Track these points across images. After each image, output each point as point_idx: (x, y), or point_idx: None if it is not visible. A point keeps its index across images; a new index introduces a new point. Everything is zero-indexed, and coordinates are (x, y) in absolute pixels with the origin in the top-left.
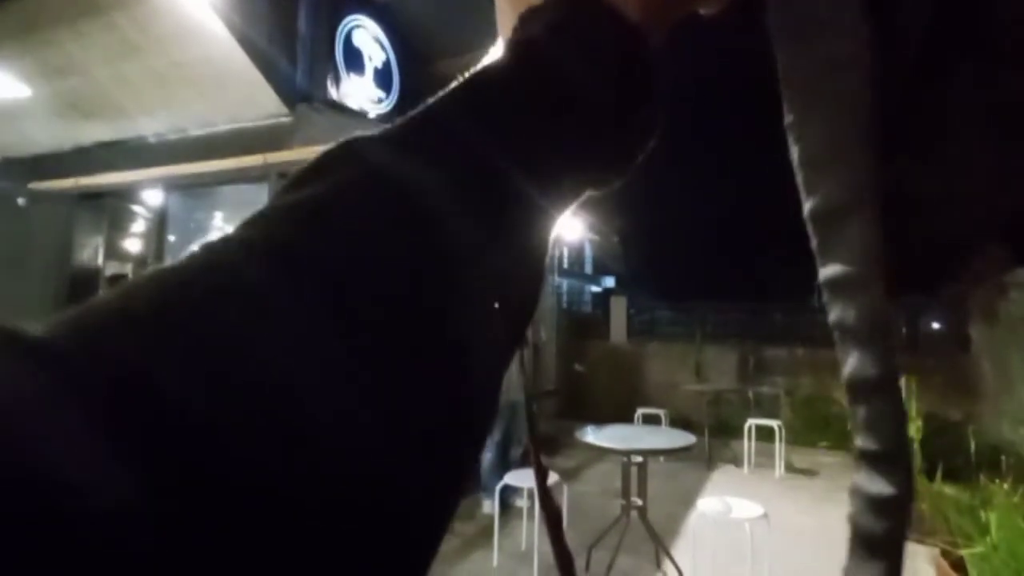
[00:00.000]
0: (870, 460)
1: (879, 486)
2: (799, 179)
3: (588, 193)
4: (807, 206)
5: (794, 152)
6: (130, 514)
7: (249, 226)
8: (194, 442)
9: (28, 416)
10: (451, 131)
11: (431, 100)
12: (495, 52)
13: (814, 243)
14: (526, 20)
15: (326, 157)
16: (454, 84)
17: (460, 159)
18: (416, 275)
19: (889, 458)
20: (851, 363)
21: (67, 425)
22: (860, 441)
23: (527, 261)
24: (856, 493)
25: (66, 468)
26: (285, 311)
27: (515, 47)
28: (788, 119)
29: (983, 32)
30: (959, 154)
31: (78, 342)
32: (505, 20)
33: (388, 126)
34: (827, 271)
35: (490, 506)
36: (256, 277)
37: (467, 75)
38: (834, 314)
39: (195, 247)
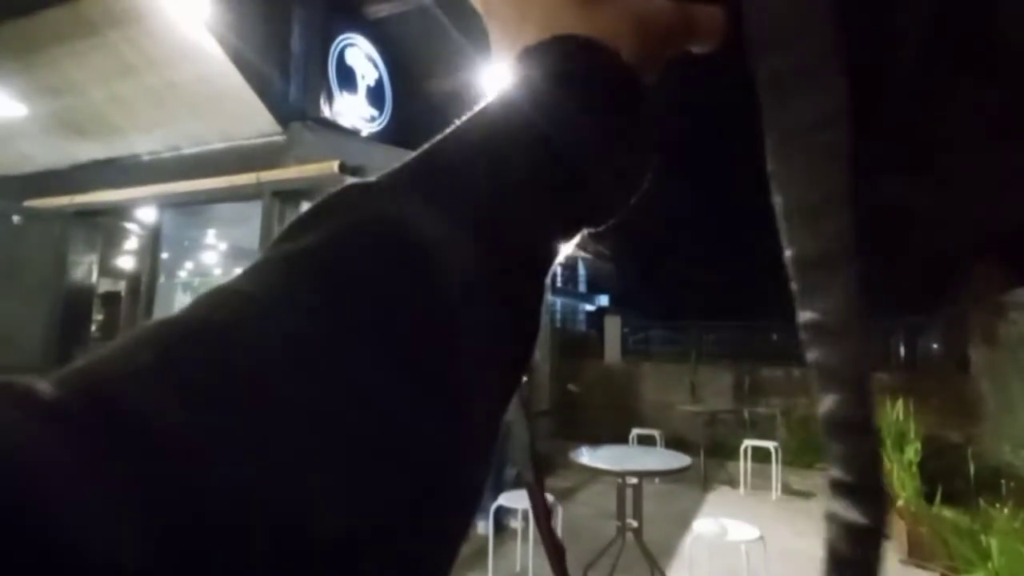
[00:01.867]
0: (845, 491)
1: (854, 515)
2: (780, 228)
3: (584, 231)
4: (788, 253)
5: (776, 200)
6: (129, 569)
7: (247, 276)
8: (199, 496)
9: (39, 473)
10: (449, 175)
11: (427, 144)
12: (491, 87)
13: (794, 287)
14: (522, 60)
15: (325, 203)
16: (451, 127)
17: (460, 204)
18: (418, 322)
19: (864, 491)
20: (829, 403)
21: (75, 482)
22: (836, 473)
23: (527, 303)
24: (832, 519)
25: (70, 523)
26: (286, 361)
27: (511, 88)
28: (770, 167)
29: (981, 49)
30: (957, 170)
31: (88, 398)
32: (500, 54)
33: (386, 171)
34: (806, 316)
35: (484, 527)
36: (256, 328)
37: (464, 118)
38: (812, 356)
39: (193, 299)
